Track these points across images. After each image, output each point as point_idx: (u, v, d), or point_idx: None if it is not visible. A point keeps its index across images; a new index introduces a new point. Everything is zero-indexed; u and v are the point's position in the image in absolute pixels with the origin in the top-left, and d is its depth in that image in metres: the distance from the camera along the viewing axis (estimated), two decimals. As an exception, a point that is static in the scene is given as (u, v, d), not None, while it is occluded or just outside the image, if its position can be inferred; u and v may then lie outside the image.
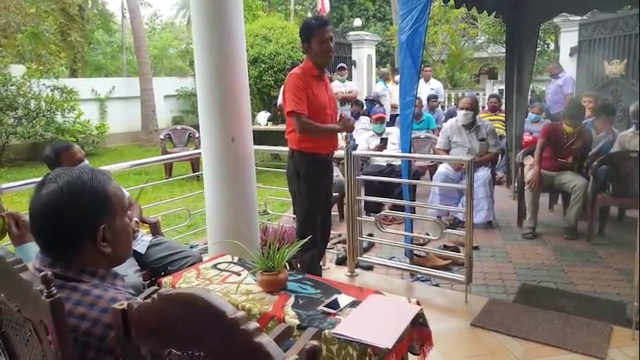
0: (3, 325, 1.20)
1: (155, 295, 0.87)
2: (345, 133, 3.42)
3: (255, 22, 9.71)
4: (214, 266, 2.46)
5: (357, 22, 12.11)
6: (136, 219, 2.83)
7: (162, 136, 8.04)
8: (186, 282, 2.28)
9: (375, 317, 1.89)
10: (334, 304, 1.97)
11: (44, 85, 9.24)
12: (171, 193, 6.41)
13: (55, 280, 1.11)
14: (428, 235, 4.02)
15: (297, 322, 1.87)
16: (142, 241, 2.79)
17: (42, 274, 0.98)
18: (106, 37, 20.37)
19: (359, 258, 3.50)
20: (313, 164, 2.87)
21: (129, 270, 2.51)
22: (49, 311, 0.99)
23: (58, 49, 13.49)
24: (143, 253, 2.74)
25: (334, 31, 9.78)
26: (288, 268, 2.94)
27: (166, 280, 2.33)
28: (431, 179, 5.45)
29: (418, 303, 2.02)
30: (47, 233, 1.14)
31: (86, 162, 2.71)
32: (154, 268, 2.74)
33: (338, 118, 2.94)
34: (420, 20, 3.06)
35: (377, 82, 8.91)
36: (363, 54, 10.92)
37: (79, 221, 1.13)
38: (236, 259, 2.52)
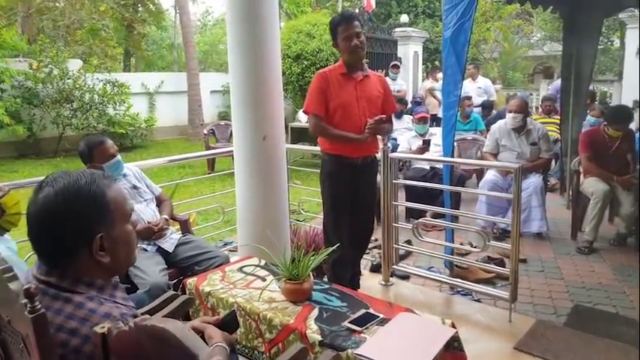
0: (2, 331, 1.14)
1: (131, 324, 0.77)
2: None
3: (300, 18, 9.62)
4: (240, 269, 2.38)
5: (404, 18, 11.78)
6: (166, 216, 2.79)
7: (205, 132, 8.13)
8: (210, 284, 2.22)
9: (405, 338, 1.74)
10: (361, 321, 1.83)
11: (97, 79, 9.55)
12: (212, 187, 6.44)
13: (49, 290, 1.06)
14: (471, 244, 3.79)
15: (319, 337, 1.75)
16: (171, 239, 2.75)
17: (25, 287, 0.92)
18: (158, 33, 20.97)
19: (394, 266, 3.32)
20: (337, 167, 2.76)
21: (154, 268, 2.48)
22: (31, 327, 0.91)
23: (114, 45, 14.01)
24: (171, 251, 2.70)
25: (379, 28, 9.61)
26: (315, 275, 2.83)
27: (191, 281, 2.28)
28: (477, 183, 5.18)
29: (453, 325, 1.85)
30: (41, 240, 1.08)
31: (118, 157, 2.69)
32: (181, 267, 2.69)
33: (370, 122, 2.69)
34: (466, 16, 2.84)
35: (423, 80, 8.66)
36: (409, 51, 10.61)
37: (74, 228, 1.06)
38: (263, 262, 2.44)
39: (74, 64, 9.70)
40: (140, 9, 15.52)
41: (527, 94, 9.20)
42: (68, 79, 9.16)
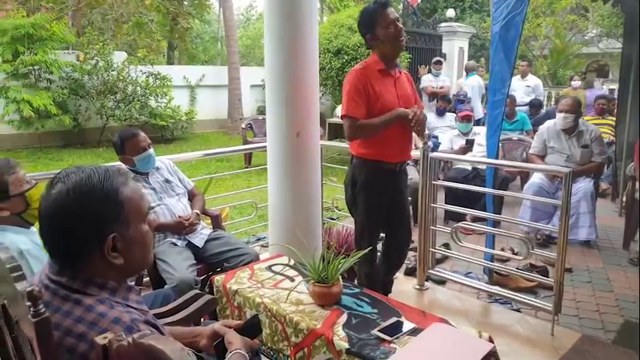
0: (14, 330, 1.11)
1: (130, 340, 0.72)
2: (426, 132, 3.09)
3: (342, 12, 9.50)
4: (269, 267, 2.33)
5: (450, 12, 11.42)
6: (197, 211, 2.76)
7: (243, 126, 8.17)
8: (237, 282, 2.17)
9: (437, 352, 1.63)
10: (391, 330, 1.73)
11: (141, 71, 9.74)
12: (249, 182, 6.46)
13: (60, 291, 1.01)
14: (513, 251, 3.60)
15: (347, 345, 1.67)
16: (201, 234, 2.72)
17: (28, 289, 0.86)
18: (201, 26, 21.28)
19: (430, 271, 3.18)
20: (375, 174, 2.49)
21: (183, 264, 2.45)
22: (32, 331, 0.87)
23: (158, 38, 14.31)
24: (200, 246, 2.67)
25: (423, 22, 9.36)
26: (346, 276, 2.74)
27: (218, 278, 2.24)
28: (522, 186, 4.94)
29: (491, 339, 1.72)
30: (52, 239, 1.04)
31: (151, 151, 2.67)
32: (211, 263, 2.66)
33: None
34: (518, 9, 2.66)
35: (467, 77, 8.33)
36: (455, 47, 10.31)
37: (85, 228, 1.01)
38: (292, 262, 2.37)
39: (119, 57, 9.93)
40: (185, 2, 15.78)
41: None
42: (112, 71, 9.38)
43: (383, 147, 2.45)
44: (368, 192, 2.51)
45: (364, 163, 2.51)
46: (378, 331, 1.72)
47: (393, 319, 1.80)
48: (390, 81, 2.48)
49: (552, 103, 10.58)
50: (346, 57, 7.70)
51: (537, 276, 3.00)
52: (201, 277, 2.56)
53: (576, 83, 8.69)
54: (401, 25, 2.43)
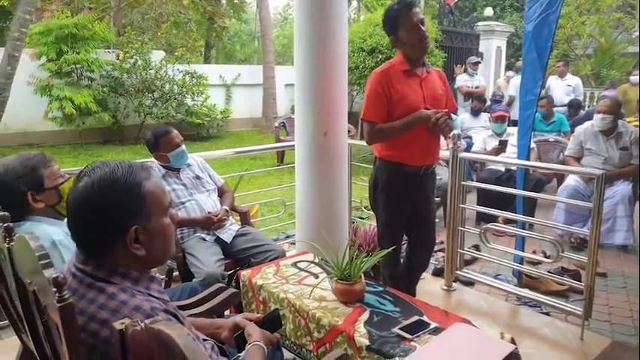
0: (45, 314, 1.18)
1: (143, 325, 0.77)
2: (454, 133, 3.06)
3: (378, 11, 9.45)
4: (294, 264, 2.37)
5: (488, 11, 11.17)
6: (226, 207, 2.83)
7: (276, 124, 8.25)
8: (263, 277, 2.22)
9: (457, 351, 1.63)
10: (412, 328, 1.74)
11: (178, 70, 9.95)
12: (280, 179, 6.52)
13: (85, 279, 1.07)
14: (544, 253, 3.53)
15: (367, 342, 1.69)
16: (229, 229, 2.78)
17: (54, 275, 0.92)
18: (238, 25, 21.58)
19: (458, 272, 3.15)
20: (397, 176, 2.45)
21: (211, 258, 2.51)
22: (58, 316, 0.93)
23: (195, 38, 14.61)
24: (229, 242, 2.73)
25: (459, 21, 9.21)
26: (372, 275, 2.75)
27: (245, 273, 2.30)
28: (558, 188, 4.81)
29: (513, 340, 1.70)
30: (78, 229, 1.09)
31: (183, 147, 2.76)
32: (238, 258, 2.71)
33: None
34: (552, 7, 2.60)
35: (513, 77, 8.12)
36: (492, 46, 10.10)
37: (109, 220, 1.06)
38: (317, 259, 2.39)
39: (157, 55, 10.18)
40: (223, 2, 16.04)
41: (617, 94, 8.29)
42: (151, 69, 9.62)
43: (406, 150, 2.41)
44: (389, 194, 2.49)
45: (386, 165, 2.49)
46: (399, 329, 1.73)
47: (415, 318, 1.80)
48: (416, 81, 2.42)
49: (595, 103, 10.20)
50: (380, 56, 7.67)
51: (567, 279, 2.93)
52: (229, 272, 2.62)
53: (636, 78, 8.08)
54: (425, 27, 2.37)
